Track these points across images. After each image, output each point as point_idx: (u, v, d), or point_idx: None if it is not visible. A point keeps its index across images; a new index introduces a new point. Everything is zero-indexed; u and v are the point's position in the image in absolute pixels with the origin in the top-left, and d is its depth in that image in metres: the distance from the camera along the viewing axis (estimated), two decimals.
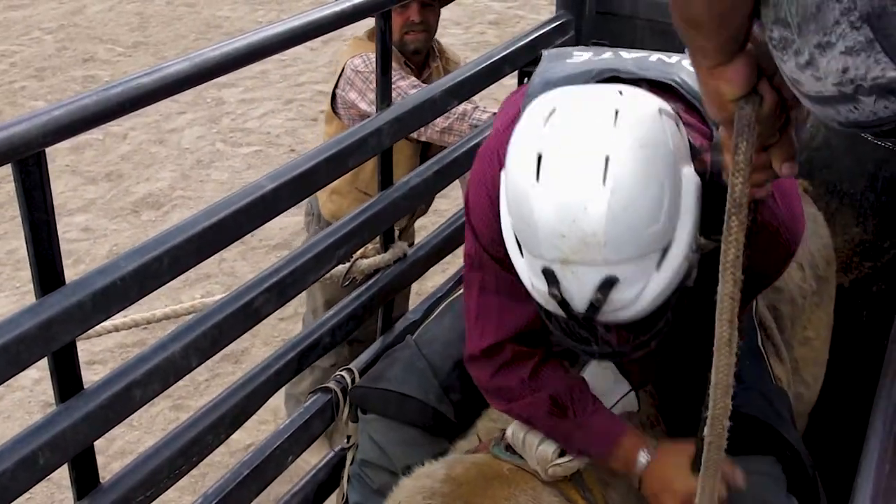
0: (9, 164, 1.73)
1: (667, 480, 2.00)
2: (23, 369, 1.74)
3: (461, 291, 2.58)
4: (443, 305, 2.62)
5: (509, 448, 2.11)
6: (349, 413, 2.53)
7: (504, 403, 2.12)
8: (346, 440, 2.55)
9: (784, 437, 2.17)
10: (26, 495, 3.76)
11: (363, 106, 3.38)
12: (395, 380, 2.39)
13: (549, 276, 1.66)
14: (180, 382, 2.29)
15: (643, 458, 2.02)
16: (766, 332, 2.55)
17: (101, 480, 2.01)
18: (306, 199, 3.68)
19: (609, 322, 1.71)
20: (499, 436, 2.14)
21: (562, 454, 2.05)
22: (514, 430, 2.08)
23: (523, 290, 1.79)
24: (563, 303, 1.67)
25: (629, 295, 1.66)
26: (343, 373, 2.64)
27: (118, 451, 4.12)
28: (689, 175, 1.67)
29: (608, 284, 1.64)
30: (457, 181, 3.20)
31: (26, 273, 1.80)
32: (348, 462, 2.49)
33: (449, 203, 5.32)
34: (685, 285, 1.74)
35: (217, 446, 2.24)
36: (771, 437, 2.17)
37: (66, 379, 1.89)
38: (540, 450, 2.04)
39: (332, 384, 2.60)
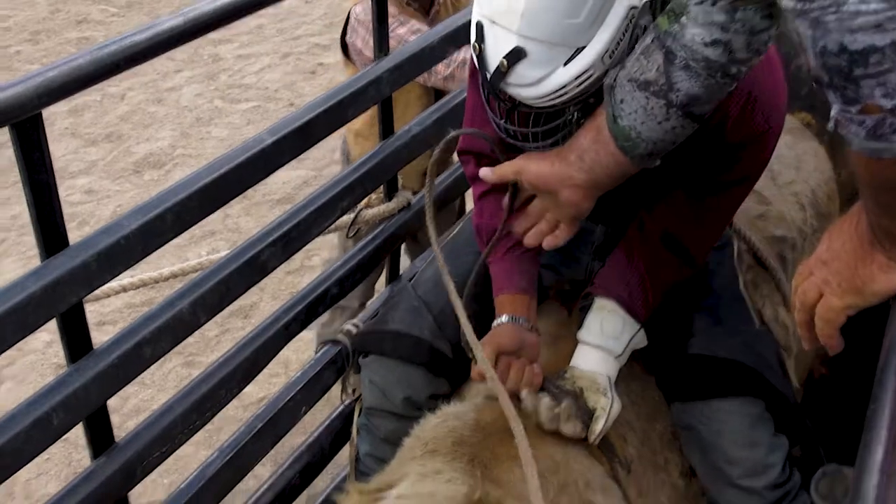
0: (7, 128, 1.72)
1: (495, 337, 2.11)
2: (31, 332, 1.75)
3: (453, 233, 2.59)
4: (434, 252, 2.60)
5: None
6: (353, 363, 2.54)
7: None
8: (352, 392, 2.56)
9: (765, 378, 2.17)
10: (44, 456, 3.79)
11: (368, 53, 3.35)
12: (392, 321, 2.39)
13: (479, 30, 1.80)
14: (191, 339, 2.30)
15: (499, 319, 2.13)
16: (768, 271, 2.55)
17: (116, 439, 2.02)
18: (340, 141, 3.68)
19: (513, 95, 1.81)
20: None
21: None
22: (542, 399, 2.04)
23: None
24: (480, 60, 1.81)
25: (532, 74, 1.76)
26: (350, 326, 2.65)
27: (132, 409, 4.15)
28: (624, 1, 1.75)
29: (515, 55, 1.74)
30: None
31: (31, 238, 1.81)
32: (356, 415, 2.50)
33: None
34: (588, 102, 1.81)
35: (230, 400, 2.26)
36: (752, 380, 2.17)
37: (76, 340, 1.90)
38: (568, 424, 2.02)
39: (340, 336, 2.61)
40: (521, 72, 1.76)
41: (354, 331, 2.59)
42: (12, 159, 1.75)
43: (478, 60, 1.82)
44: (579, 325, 2.12)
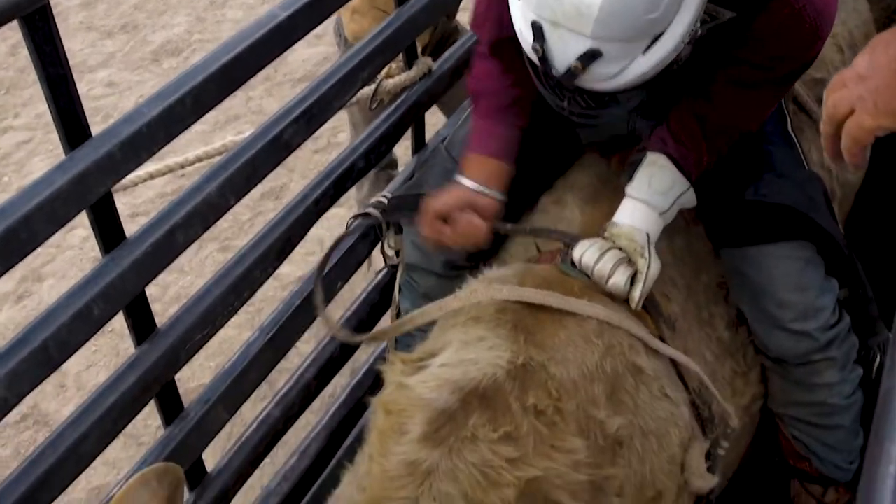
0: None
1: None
2: (62, 226, 1.75)
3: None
4: (468, 112, 2.57)
5: (575, 265, 2.06)
6: (393, 227, 2.55)
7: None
8: (394, 255, 2.57)
9: (814, 220, 2.16)
10: (91, 348, 3.90)
11: None
12: (427, 185, 2.38)
13: (538, 31, 1.68)
14: (225, 224, 2.31)
15: (458, 177, 2.15)
16: (810, 117, 2.50)
17: (158, 325, 2.05)
18: (335, 23, 3.63)
19: (584, 88, 1.74)
20: (565, 250, 2.10)
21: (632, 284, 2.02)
22: (583, 255, 2.02)
23: None
24: (544, 60, 1.70)
25: (609, 71, 1.69)
26: (381, 197, 2.64)
27: (173, 297, 4.20)
28: None
29: (590, 57, 1.66)
30: None
31: (58, 136, 1.80)
32: (399, 275, 2.52)
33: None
34: (669, 69, 1.75)
35: (265, 280, 2.27)
36: (803, 224, 2.16)
37: (108, 231, 1.91)
38: (611, 283, 2.00)
39: (371, 209, 2.61)
40: (597, 70, 1.68)
41: (385, 201, 2.59)
42: (29, 57, 1.73)
43: (539, 60, 1.72)
44: (628, 179, 2.08)
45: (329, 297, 2.49)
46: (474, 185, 2.13)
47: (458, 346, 1.88)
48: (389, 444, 1.73)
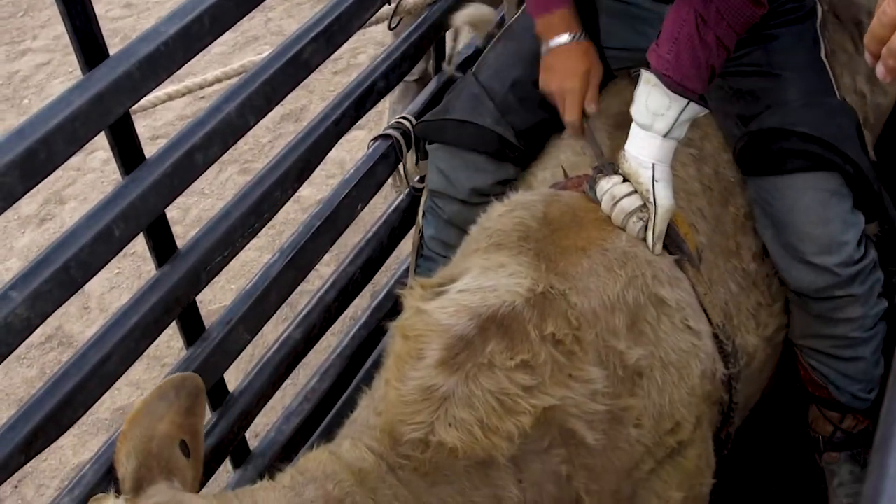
0: None
1: (565, 69, 2.21)
2: (81, 146, 1.75)
3: (516, 17, 2.51)
4: (497, 35, 2.54)
5: None
6: (419, 151, 2.54)
7: None
8: (417, 179, 2.55)
9: (843, 151, 2.09)
10: (114, 270, 3.92)
11: None
12: (453, 110, 2.36)
13: None
14: (245, 146, 2.30)
15: (559, 40, 2.23)
16: (854, 44, 2.44)
17: (179, 247, 2.05)
18: None
19: None
20: (592, 177, 2.06)
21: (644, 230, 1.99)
22: (603, 197, 2.00)
23: None
24: None
25: None
26: (401, 119, 2.62)
27: (194, 219, 4.21)
28: None
29: None
30: None
31: (76, 57, 1.78)
32: (423, 199, 2.51)
33: None
34: None
35: (286, 201, 2.26)
36: (828, 152, 2.09)
37: (128, 152, 1.90)
38: (627, 230, 1.99)
39: (391, 131, 2.59)
40: None
41: (406, 123, 2.57)
42: None
43: None
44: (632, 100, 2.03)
45: (349, 220, 2.49)
46: (581, 36, 2.23)
47: (477, 273, 1.87)
48: (406, 369, 1.73)
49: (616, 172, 2.02)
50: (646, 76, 1.99)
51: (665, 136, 1.98)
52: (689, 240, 2.07)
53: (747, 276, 2.22)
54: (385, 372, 1.80)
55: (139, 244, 1.99)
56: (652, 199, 1.96)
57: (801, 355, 2.38)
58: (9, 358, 1.70)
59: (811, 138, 2.09)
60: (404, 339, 1.77)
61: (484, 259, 1.91)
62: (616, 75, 2.35)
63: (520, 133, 2.30)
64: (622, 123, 2.18)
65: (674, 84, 1.94)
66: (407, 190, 2.67)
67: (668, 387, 1.92)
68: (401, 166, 2.62)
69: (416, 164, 2.57)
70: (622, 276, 1.91)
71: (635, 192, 1.98)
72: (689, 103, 1.97)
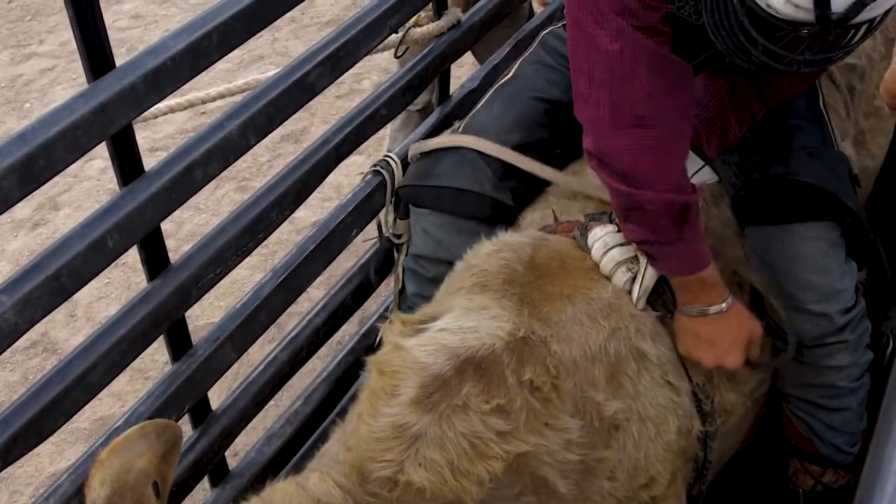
0: None
1: (735, 337, 1.99)
2: (82, 155, 1.74)
3: (508, 77, 2.49)
4: (490, 92, 2.51)
5: None
6: (398, 210, 2.48)
7: (627, 184, 1.86)
8: (396, 237, 2.51)
9: (843, 202, 2.12)
10: (104, 280, 3.91)
11: None
12: (445, 175, 2.31)
13: None
14: (243, 164, 2.30)
15: (721, 307, 1.96)
16: (846, 103, 2.46)
17: (172, 261, 2.05)
18: None
19: (855, 23, 1.53)
20: (584, 224, 2.07)
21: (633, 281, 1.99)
22: (594, 245, 1.99)
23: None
24: (821, 2, 1.47)
25: None
26: (387, 157, 2.58)
27: (188, 234, 4.21)
28: None
29: None
30: None
31: (81, 65, 1.78)
32: (402, 255, 2.48)
33: None
34: None
35: (281, 222, 2.26)
36: (829, 203, 2.11)
37: (127, 163, 1.90)
38: (613, 281, 1.98)
39: (381, 169, 2.56)
40: None
41: (393, 164, 2.53)
42: None
43: (815, 4, 1.48)
44: None
45: (343, 245, 2.48)
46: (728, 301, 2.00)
47: (459, 313, 1.86)
48: (379, 405, 1.71)
49: (611, 221, 2.02)
50: None
51: None
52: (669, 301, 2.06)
53: None
54: (358, 406, 1.78)
55: (131, 255, 1.99)
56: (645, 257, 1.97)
57: (786, 406, 2.38)
58: None
59: (815, 189, 2.10)
60: (380, 375, 1.76)
61: (467, 299, 1.91)
62: None
63: (517, 196, 2.29)
64: None
65: (694, 147, 1.97)
66: (376, 244, 2.64)
67: (645, 441, 1.91)
68: (381, 215, 2.55)
69: (394, 222, 2.51)
70: (605, 327, 1.90)
71: (628, 243, 1.98)
72: (704, 165, 2.00)
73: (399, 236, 2.50)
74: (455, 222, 2.30)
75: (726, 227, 2.23)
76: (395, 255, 2.54)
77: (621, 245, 1.98)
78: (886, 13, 1.56)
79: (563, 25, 2.37)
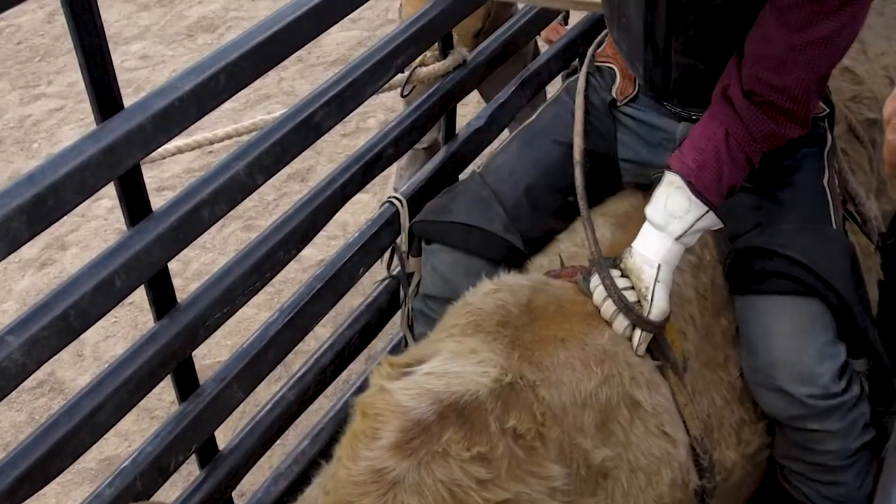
0: None
1: None
2: (90, 195, 1.75)
3: (530, 120, 2.49)
4: (509, 137, 2.50)
5: None
6: (411, 247, 2.47)
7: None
8: (407, 275, 2.51)
9: (829, 282, 2.04)
10: (111, 319, 3.91)
11: None
12: (458, 212, 2.29)
13: None
14: (249, 203, 2.31)
15: None
16: (869, 157, 2.46)
17: (179, 301, 2.05)
18: (396, 2, 3.60)
19: None
20: (587, 269, 2.05)
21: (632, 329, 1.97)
22: (596, 290, 1.98)
23: None
24: None
25: None
26: (401, 194, 2.60)
27: (194, 273, 4.21)
28: None
29: None
30: None
31: (89, 105, 1.80)
32: (411, 293, 2.46)
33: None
34: None
35: (288, 262, 2.27)
36: (812, 279, 2.04)
37: (135, 203, 1.91)
38: (614, 326, 1.97)
39: (393, 199, 2.58)
40: None
41: (404, 199, 2.54)
42: (65, 26, 1.73)
43: None
44: (649, 200, 2.02)
45: (350, 283, 2.49)
46: None
47: (446, 356, 1.83)
48: (359, 448, 1.69)
49: (615, 267, 2.01)
50: (669, 178, 1.99)
51: (677, 239, 1.97)
52: (676, 346, 2.04)
53: (733, 391, 2.17)
54: (339, 449, 1.76)
55: (138, 294, 2.00)
56: (649, 298, 1.94)
57: (780, 473, 2.31)
58: None
59: (794, 262, 2.05)
60: (363, 417, 1.73)
61: (456, 342, 1.88)
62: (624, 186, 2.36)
63: (528, 240, 2.28)
64: (625, 224, 2.18)
65: (695, 191, 1.95)
66: (387, 280, 2.63)
67: (635, 491, 1.88)
68: (400, 240, 2.55)
69: (407, 257, 2.50)
70: (598, 373, 1.88)
71: (631, 288, 1.97)
72: (708, 211, 1.97)
73: (411, 276, 2.48)
74: (463, 260, 2.29)
75: (698, 294, 2.20)
76: (402, 293, 2.53)
77: (624, 290, 1.96)
78: None
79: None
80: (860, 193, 2.32)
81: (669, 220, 1.96)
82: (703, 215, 1.97)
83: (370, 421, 1.71)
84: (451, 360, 1.81)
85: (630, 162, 2.32)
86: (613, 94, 2.31)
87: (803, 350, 2.05)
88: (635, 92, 2.29)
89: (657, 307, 1.95)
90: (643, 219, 2.03)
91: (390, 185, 3.90)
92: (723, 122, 1.98)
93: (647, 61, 2.18)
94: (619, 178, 2.34)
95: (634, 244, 2.00)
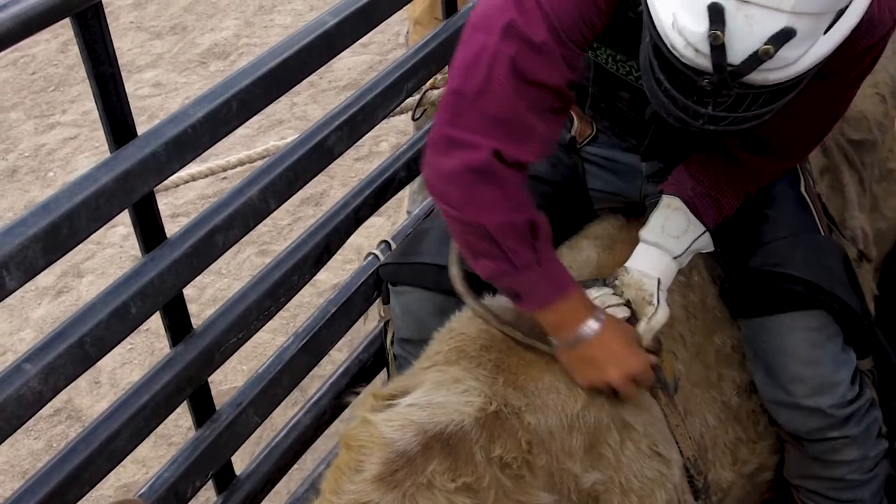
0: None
1: (615, 351, 1.86)
2: (105, 222, 1.77)
3: None
4: None
5: None
6: (384, 292, 2.38)
7: (465, 211, 1.80)
8: (382, 322, 2.46)
9: (831, 292, 2.04)
10: (127, 346, 3.92)
11: None
12: (428, 252, 2.21)
13: (716, 14, 1.45)
14: (263, 228, 2.31)
15: (593, 324, 1.85)
16: (863, 167, 2.46)
17: (194, 327, 2.06)
18: (405, 26, 3.61)
19: (754, 82, 1.52)
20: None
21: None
22: (592, 297, 1.94)
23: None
24: (717, 50, 1.47)
25: (793, 54, 1.49)
26: (383, 247, 2.57)
27: (210, 299, 4.22)
28: None
29: (784, 37, 1.45)
30: None
31: (103, 133, 1.81)
32: (388, 339, 2.41)
33: None
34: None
35: (303, 286, 2.27)
36: (813, 292, 2.04)
37: (150, 230, 1.92)
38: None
39: (376, 251, 2.54)
40: (784, 54, 1.47)
41: (386, 251, 2.49)
42: (79, 55, 1.74)
43: (711, 54, 1.48)
44: (643, 224, 2.02)
45: (364, 307, 2.48)
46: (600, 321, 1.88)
47: (430, 387, 1.81)
48: (343, 481, 1.68)
49: (605, 285, 2.00)
50: (667, 200, 2.01)
51: (675, 258, 1.99)
52: (667, 367, 2.03)
53: (728, 410, 2.16)
54: (323, 483, 1.75)
55: (154, 320, 2.00)
56: (655, 303, 1.94)
57: (797, 495, 2.29)
58: None
59: (796, 280, 2.04)
60: (346, 450, 1.73)
61: (439, 371, 1.86)
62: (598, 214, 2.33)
63: None
64: (611, 245, 2.16)
65: (697, 210, 1.98)
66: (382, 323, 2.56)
67: None
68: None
69: (381, 309, 2.44)
70: (582, 394, 1.86)
71: (625, 304, 1.95)
72: (705, 232, 2.00)
73: (387, 324, 2.41)
74: (435, 299, 2.20)
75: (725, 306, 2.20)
76: (384, 337, 2.47)
77: (616, 306, 1.95)
78: (794, 86, 1.57)
79: None
80: (853, 205, 2.31)
81: (668, 240, 1.98)
82: (699, 236, 2.00)
83: (354, 454, 1.70)
84: (435, 391, 1.80)
85: (600, 192, 2.30)
86: (573, 134, 2.26)
87: (819, 362, 2.06)
88: (594, 133, 2.23)
89: (664, 308, 1.95)
90: (631, 240, 2.04)
91: (404, 207, 3.90)
92: (723, 152, 2.02)
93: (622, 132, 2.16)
94: (590, 206, 2.32)
95: (629, 263, 2.00)
